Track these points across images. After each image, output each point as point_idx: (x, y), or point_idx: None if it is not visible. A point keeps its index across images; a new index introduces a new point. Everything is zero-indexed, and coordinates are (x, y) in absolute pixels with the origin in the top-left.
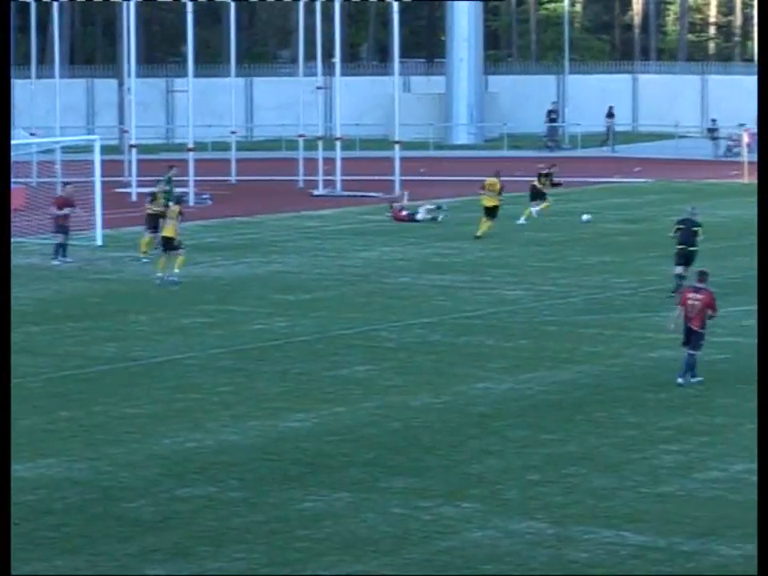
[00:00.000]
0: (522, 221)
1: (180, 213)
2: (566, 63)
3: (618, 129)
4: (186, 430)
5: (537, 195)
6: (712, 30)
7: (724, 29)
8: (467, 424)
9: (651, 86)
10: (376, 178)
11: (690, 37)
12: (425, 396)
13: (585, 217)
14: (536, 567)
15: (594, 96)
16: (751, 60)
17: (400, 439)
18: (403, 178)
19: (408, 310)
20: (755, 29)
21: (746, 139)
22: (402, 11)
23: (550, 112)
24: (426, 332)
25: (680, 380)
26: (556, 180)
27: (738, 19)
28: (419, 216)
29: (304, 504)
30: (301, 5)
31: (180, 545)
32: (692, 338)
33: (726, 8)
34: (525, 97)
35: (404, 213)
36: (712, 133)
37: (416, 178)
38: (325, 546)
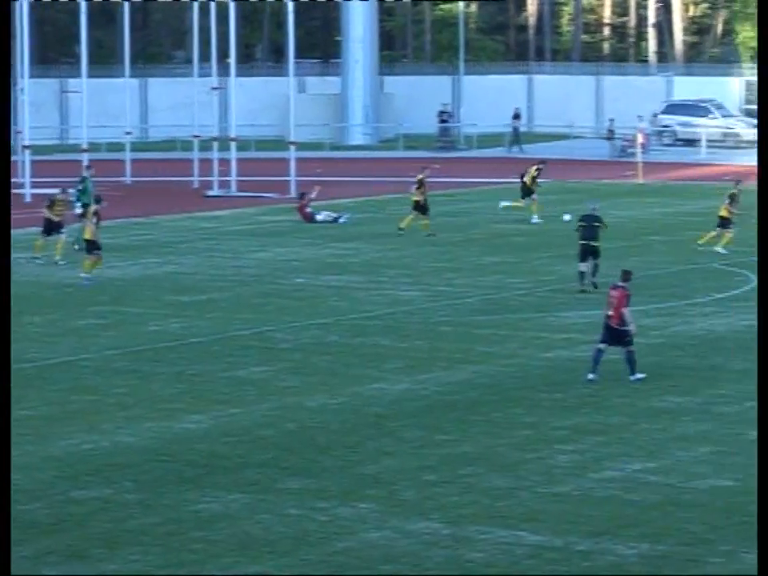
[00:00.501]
0: (535, 219)
1: (96, 213)
2: (461, 64)
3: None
4: (80, 431)
5: (528, 192)
6: (606, 31)
7: (618, 30)
8: (363, 425)
9: (546, 87)
10: (271, 178)
11: (585, 37)
12: (320, 397)
13: (566, 217)
14: (432, 567)
15: (490, 97)
16: (645, 60)
17: (296, 440)
18: (299, 178)
19: (304, 310)
20: (649, 29)
21: (640, 140)
22: (296, 12)
23: (441, 113)
24: (321, 333)
25: (590, 376)
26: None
27: (632, 20)
28: (320, 217)
29: (199, 505)
30: (195, 5)
31: (75, 547)
32: (614, 336)
33: (621, 9)
34: (420, 97)
35: (308, 209)
36: (610, 133)
37: (312, 178)
38: (220, 547)
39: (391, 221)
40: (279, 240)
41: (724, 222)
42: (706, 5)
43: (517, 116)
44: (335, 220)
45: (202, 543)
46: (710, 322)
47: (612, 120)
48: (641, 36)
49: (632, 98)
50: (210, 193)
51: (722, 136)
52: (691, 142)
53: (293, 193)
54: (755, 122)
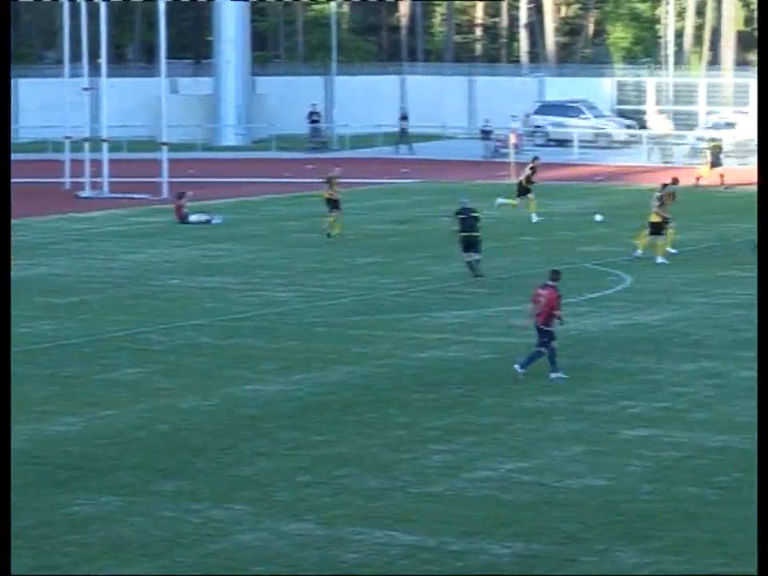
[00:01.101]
0: (535, 219)
1: None
2: (334, 64)
3: (388, 130)
4: None
5: (524, 190)
6: (478, 32)
7: (490, 30)
8: (237, 426)
9: (419, 87)
10: (144, 179)
11: (457, 38)
12: (194, 398)
13: (598, 217)
14: (307, 568)
15: (363, 97)
16: (517, 61)
17: (169, 442)
18: (171, 179)
19: (177, 312)
20: (521, 30)
21: (512, 140)
22: (168, 12)
23: (311, 113)
24: (195, 334)
25: (519, 369)
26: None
27: (504, 21)
28: (193, 218)
29: (72, 508)
30: (65, 5)
31: None
32: (539, 336)
33: (493, 10)
34: (293, 98)
35: (184, 210)
36: (485, 134)
37: (184, 179)
38: (94, 550)
39: (264, 221)
40: (152, 241)
41: (655, 228)
42: (577, 6)
43: (404, 117)
44: (208, 221)
45: (74, 546)
46: (583, 321)
47: (488, 120)
48: (513, 37)
49: (504, 99)
50: (82, 194)
51: (594, 136)
52: (563, 143)
53: (165, 194)
54: (627, 122)
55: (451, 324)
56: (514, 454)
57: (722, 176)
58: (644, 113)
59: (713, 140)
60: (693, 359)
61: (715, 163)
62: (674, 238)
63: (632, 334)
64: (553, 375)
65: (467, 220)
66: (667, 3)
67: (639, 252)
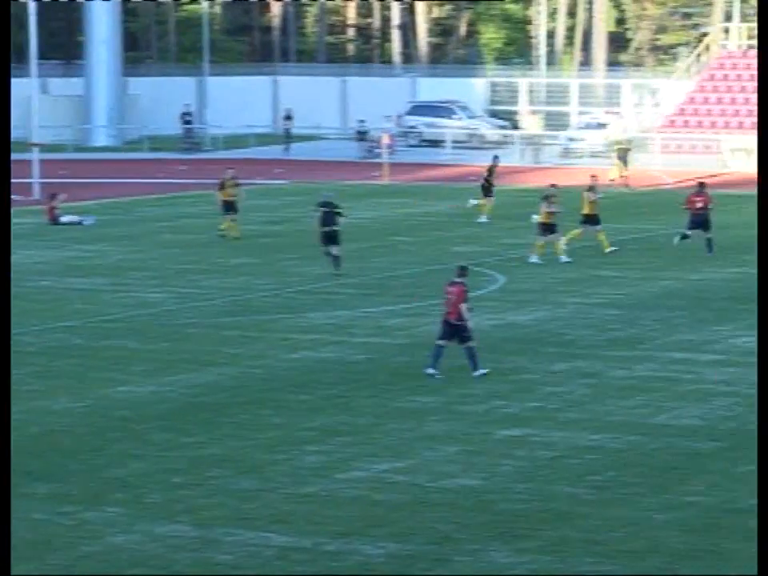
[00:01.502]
0: (482, 219)
1: None
2: (206, 65)
3: (261, 130)
4: None
5: (488, 190)
6: (351, 32)
7: (363, 31)
8: (109, 428)
9: (292, 88)
10: (14, 180)
11: (330, 39)
12: (66, 400)
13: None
14: (180, 570)
15: (235, 98)
16: (389, 62)
17: (41, 444)
18: (43, 180)
19: (48, 313)
20: (393, 31)
21: (385, 141)
22: (38, 13)
23: (184, 114)
24: (66, 336)
25: (430, 370)
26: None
27: (376, 21)
28: (65, 219)
29: None
30: None
31: None
32: (453, 332)
33: (365, 10)
34: (165, 99)
35: (56, 211)
36: (360, 134)
37: (56, 180)
38: None
39: (136, 222)
40: (23, 243)
41: (547, 228)
42: (449, 6)
43: (288, 117)
44: (80, 222)
45: None
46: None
47: (363, 121)
48: (385, 37)
49: (377, 99)
50: None
51: (467, 137)
52: (436, 143)
53: (37, 195)
54: (499, 122)
55: (325, 324)
56: (388, 455)
57: (626, 177)
58: (516, 113)
59: (618, 142)
60: (566, 359)
61: (623, 164)
62: (602, 237)
63: (506, 334)
64: (476, 374)
65: (328, 214)
66: (539, 4)
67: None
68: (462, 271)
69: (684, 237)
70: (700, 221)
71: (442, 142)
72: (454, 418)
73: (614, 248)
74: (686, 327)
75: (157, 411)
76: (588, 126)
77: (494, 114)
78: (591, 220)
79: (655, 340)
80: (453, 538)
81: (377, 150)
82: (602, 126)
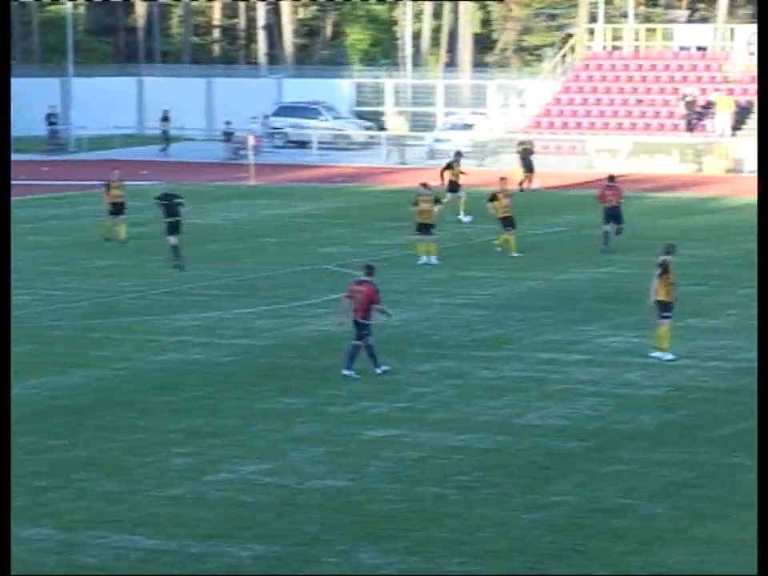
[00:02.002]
0: (463, 217)
1: None
2: (70, 66)
3: (126, 131)
4: None
5: (454, 188)
6: (216, 33)
7: (228, 32)
8: None
9: (157, 89)
10: None
11: (195, 39)
12: None
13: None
14: (45, 573)
15: (100, 99)
16: (255, 63)
17: None
18: None
19: None
20: (259, 32)
21: (251, 142)
22: None
23: (49, 115)
24: None
25: (345, 372)
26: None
27: (242, 22)
28: None
29: None
30: None
31: None
32: (357, 329)
33: (230, 11)
34: (29, 100)
35: None
36: (227, 135)
37: None
38: None
39: None
40: None
41: (422, 228)
42: (315, 7)
43: (165, 118)
44: None
45: None
46: (323, 322)
47: (228, 122)
48: (251, 38)
49: (243, 100)
50: None
51: (333, 138)
52: (303, 144)
53: None
54: (365, 123)
55: (191, 326)
56: (255, 456)
57: (525, 179)
58: (382, 114)
59: (521, 143)
60: (433, 359)
61: (526, 166)
62: (510, 240)
63: (374, 335)
64: (378, 370)
65: (171, 206)
66: (404, 5)
67: (424, 259)
68: (369, 270)
69: (606, 235)
70: (614, 214)
71: (308, 143)
72: (321, 419)
73: (519, 254)
74: (553, 327)
75: (21, 414)
76: (454, 127)
77: (359, 115)
78: (507, 222)
79: (522, 340)
80: (320, 539)
81: (243, 152)
82: (468, 127)
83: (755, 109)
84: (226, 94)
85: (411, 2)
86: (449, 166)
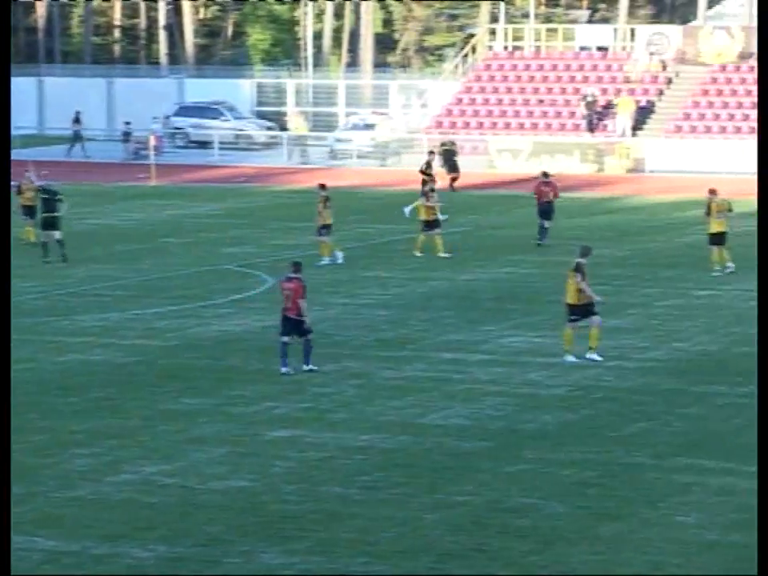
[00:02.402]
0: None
1: None
2: None
3: (25, 132)
4: None
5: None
6: (117, 33)
7: (129, 32)
8: None
9: (57, 89)
10: None
11: (96, 39)
12: None
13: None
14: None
15: None
16: (157, 63)
17: None
18: None
19: None
20: (160, 32)
21: (152, 142)
22: None
23: None
24: None
25: (284, 369)
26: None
27: (142, 22)
28: None
29: None
30: None
31: None
32: (294, 327)
33: (131, 11)
34: None
35: None
36: (126, 136)
37: None
38: None
39: None
40: None
41: (429, 224)
42: (216, 7)
43: (77, 120)
44: None
45: None
46: (226, 323)
47: (129, 123)
48: (152, 38)
49: (145, 100)
50: None
51: (235, 138)
52: (204, 144)
53: None
54: (267, 123)
55: (93, 327)
56: (158, 457)
57: (453, 180)
58: (284, 114)
59: (443, 143)
60: (335, 359)
61: (449, 167)
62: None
63: (275, 335)
64: (306, 368)
65: (48, 200)
66: (305, 5)
67: (327, 260)
68: (297, 267)
69: (541, 230)
70: (547, 210)
71: (210, 143)
72: (224, 420)
73: (449, 254)
74: (455, 327)
75: None
76: (355, 127)
77: (261, 115)
78: (431, 224)
79: (424, 340)
80: (223, 539)
81: (143, 152)
82: (369, 127)
83: (657, 109)
84: (127, 94)
85: (312, 2)
86: (428, 164)
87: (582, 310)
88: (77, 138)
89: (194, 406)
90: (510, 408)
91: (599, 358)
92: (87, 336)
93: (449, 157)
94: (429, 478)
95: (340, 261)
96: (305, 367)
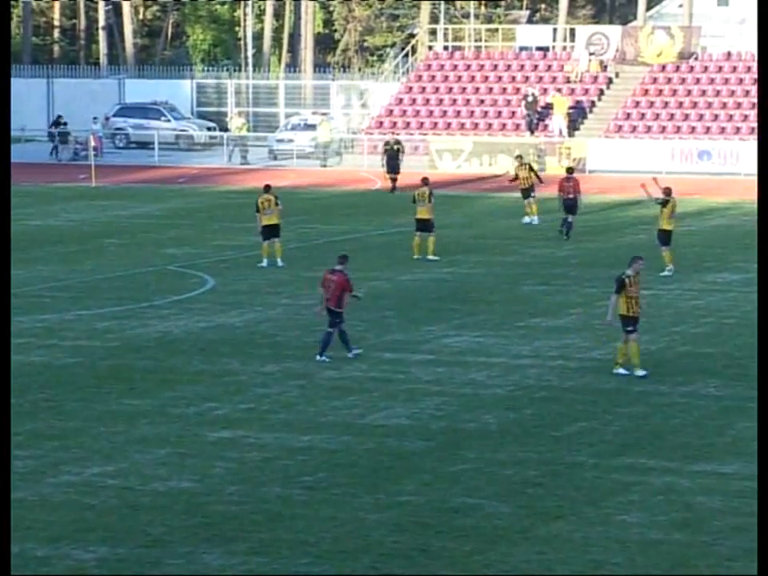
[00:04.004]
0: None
1: None
2: None
3: None
4: None
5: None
6: (56, 34)
7: (69, 32)
8: None
9: None
10: None
11: (35, 40)
12: None
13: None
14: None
15: None
16: (97, 63)
17: None
18: None
19: None
20: (100, 32)
21: (92, 143)
22: None
23: None
24: None
25: (318, 358)
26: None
27: (82, 23)
28: None
29: None
30: None
31: None
32: (330, 317)
33: (70, 11)
34: None
35: None
36: (62, 137)
37: None
38: None
39: None
40: None
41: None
42: (156, 7)
43: (58, 123)
44: None
45: None
46: (167, 324)
47: (65, 124)
48: (91, 38)
49: (85, 101)
50: None
51: (175, 138)
52: (145, 145)
53: None
54: (207, 124)
55: (33, 328)
56: (99, 458)
57: (393, 180)
58: (224, 115)
59: (387, 143)
60: (277, 360)
61: (390, 167)
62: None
63: (216, 336)
64: (350, 354)
65: None
66: (246, 6)
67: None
68: (343, 260)
69: (566, 224)
70: (571, 205)
71: (150, 143)
72: (165, 421)
73: (437, 257)
74: (397, 327)
75: None
76: (296, 128)
77: (201, 116)
78: (425, 225)
79: (366, 340)
80: (164, 540)
81: (83, 153)
82: (310, 127)
83: (597, 109)
84: (66, 94)
85: (252, 2)
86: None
87: (633, 321)
88: (60, 138)
89: (135, 407)
90: (452, 408)
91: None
92: (27, 337)
93: (391, 157)
94: (370, 479)
95: (280, 264)
96: (349, 354)
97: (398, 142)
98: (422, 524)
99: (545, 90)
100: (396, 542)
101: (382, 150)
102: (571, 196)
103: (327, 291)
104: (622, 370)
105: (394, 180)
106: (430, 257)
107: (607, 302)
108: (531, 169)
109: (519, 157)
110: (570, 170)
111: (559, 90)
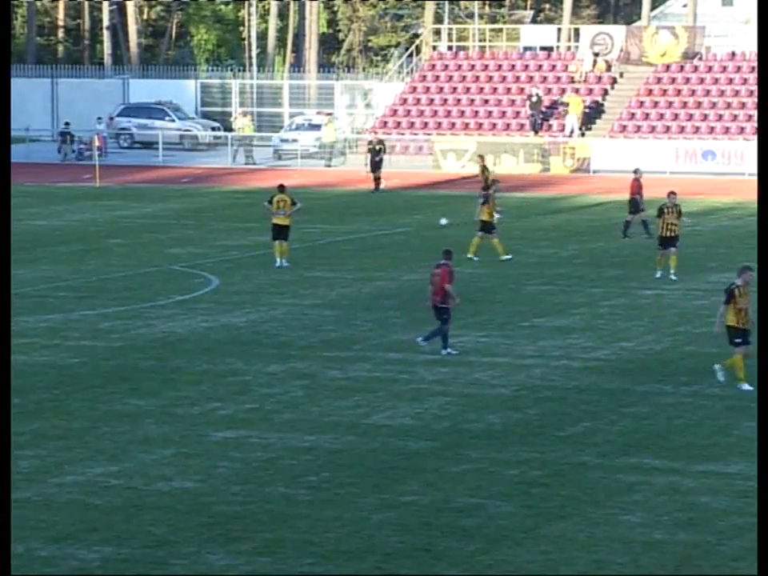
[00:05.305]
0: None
1: None
2: None
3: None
4: None
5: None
6: (61, 34)
7: (73, 32)
8: None
9: None
10: None
11: (39, 40)
12: None
13: (443, 221)
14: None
15: None
16: (101, 63)
17: None
18: None
19: None
20: (104, 32)
21: (97, 143)
22: None
23: None
24: None
25: (444, 351)
26: None
27: (86, 23)
28: None
29: None
30: None
31: None
32: (436, 314)
33: (75, 11)
34: None
35: None
36: (65, 136)
37: None
38: None
39: None
40: None
41: (486, 226)
42: (160, 7)
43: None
44: None
45: None
46: (171, 324)
47: (68, 123)
48: (96, 38)
49: (89, 101)
50: None
51: (180, 138)
52: (149, 145)
53: None
54: (212, 124)
55: (38, 328)
56: (103, 458)
57: (377, 180)
58: (229, 115)
59: (370, 143)
60: (281, 360)
61: (372, 165)
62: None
63: (220, 336)
64: (444, 352)
65: None
66: (250, 5)
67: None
68: (448, 255)
69: (645, 224)
70: (635, 204)
71: (155, 143)
72: (170, 421)
73: (509, 256)
74: (401, 327)
75: None
76: (300, 128)
77: (206, 116)
78: (487, 226)
79: (370, 340)
80: (169, 540)
81: (88, 153)
82: (314, 127)
83: (605, 108)
84: (70, 94)
85: (257, 2)
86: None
87: (743, 333)
88: (62, 139)
89: (140, 407)
90: (456, 408)
91: (749, 388)
92: (31, 337)
93: (374, 156)
94: (375, 478)
95: (285, 265)
96: (443, 352)
97: (380, 142)
98: (426, 524)
99: (549, 90)
100: (400, 541)
101: (365, 150)
102: (635, 195)
103: (433, 286)
104: (746, 386)
105: (377, 179)
106: (503, 257)
107: (610, 302)
108: (486, 169)
109: (481, 157)
110: (636, 171)
111: (563, 90)
